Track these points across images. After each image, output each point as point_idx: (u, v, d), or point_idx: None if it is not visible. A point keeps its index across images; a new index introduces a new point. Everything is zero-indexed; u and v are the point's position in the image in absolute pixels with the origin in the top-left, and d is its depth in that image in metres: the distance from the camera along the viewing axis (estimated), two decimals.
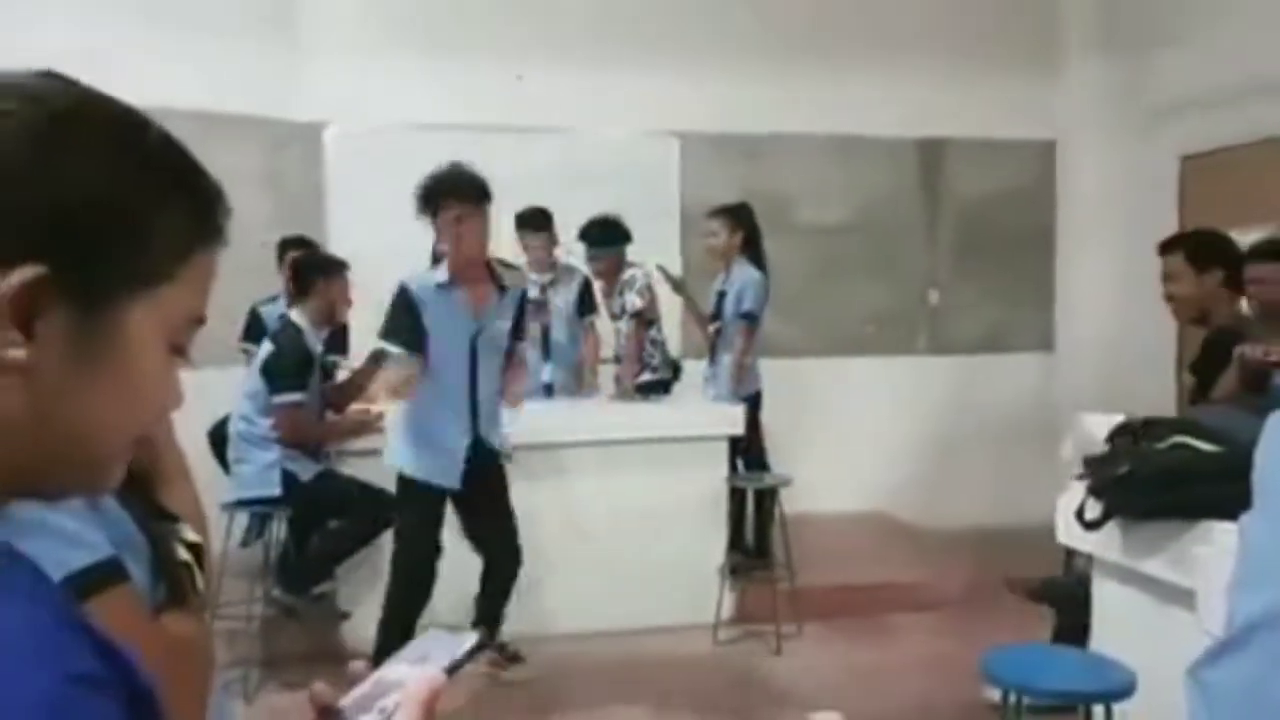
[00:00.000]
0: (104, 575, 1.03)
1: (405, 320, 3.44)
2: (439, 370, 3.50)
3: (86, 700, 0.51)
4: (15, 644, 0.51)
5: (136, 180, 0.59)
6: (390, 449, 3.66)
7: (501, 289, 3.54)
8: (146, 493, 1.14)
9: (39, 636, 0.52)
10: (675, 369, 5.12)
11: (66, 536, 0.98)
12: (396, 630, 3.49)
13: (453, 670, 1.03)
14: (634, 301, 4.82)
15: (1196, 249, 3.26)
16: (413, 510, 3.63)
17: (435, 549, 3.62)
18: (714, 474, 4.57)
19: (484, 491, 3.64)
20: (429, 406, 3.53)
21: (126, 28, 4.91)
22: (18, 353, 0.54)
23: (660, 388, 4.97)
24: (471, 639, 1.09)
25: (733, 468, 4.71)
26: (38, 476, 0.59)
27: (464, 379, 3.53)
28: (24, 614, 0.53)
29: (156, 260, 0.59)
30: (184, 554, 1.14)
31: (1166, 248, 3.35)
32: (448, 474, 3.56)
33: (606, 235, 4.83)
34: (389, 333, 3.48)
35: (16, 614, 0.53)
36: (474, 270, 3.48)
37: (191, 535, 1.17)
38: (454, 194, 3.37)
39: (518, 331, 3.68)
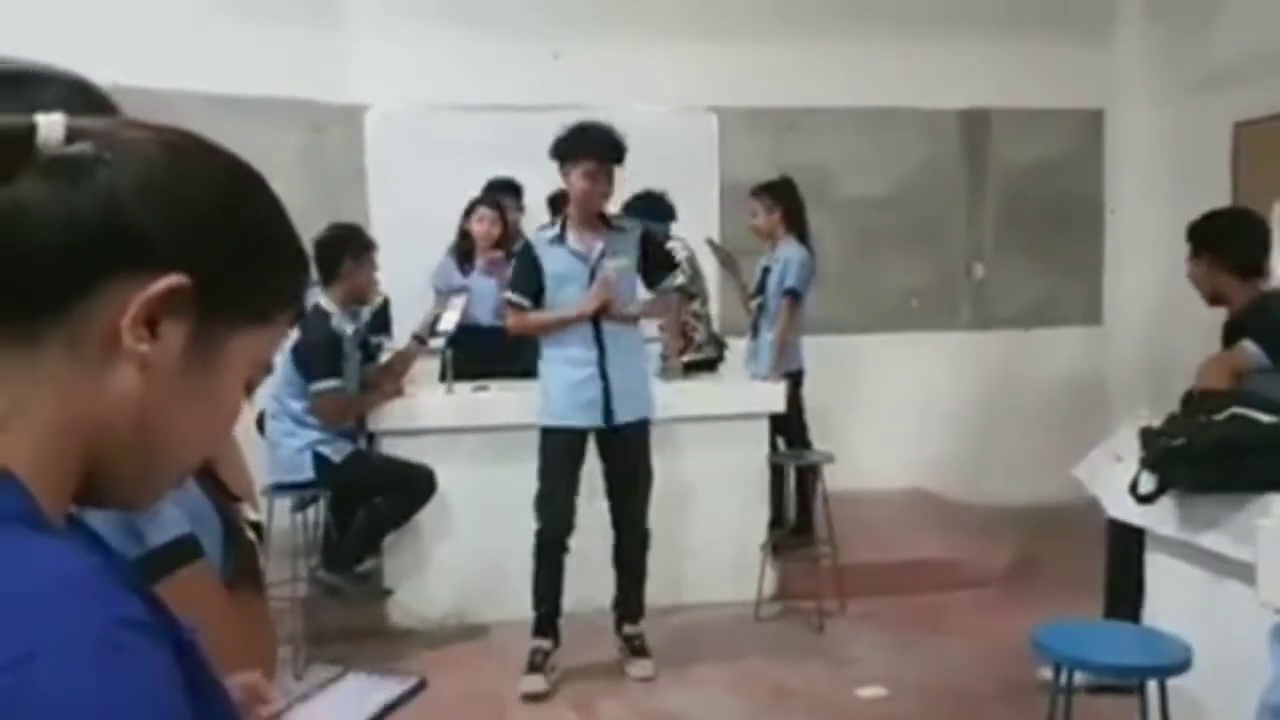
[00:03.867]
0: (182, 552, 1.05)
1: None
2: None
3: (137, 642, 0.52)
4: (66, 586, 0.53)
5: (276, 231, 0.68)
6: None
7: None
8: (212, 473, 1.16)
9: (89, 580, 0.54)
10: (720, 346, 5.08)
11: (149, 512, 1.00)
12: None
13: (385, 715, 1.00)
14: (674, 276, 4.78)
15: (1193, 235, 3.26)
16: None
17: None
18: (755, 451, 4.55)
19: None
20: None
21: (168, 13, 4.95)
22: (144, 346, 0.60)
23: (706, 366, 4.93)
24: (411, 681, 1.06)
25: (773, 445, 4.68)
26: (110, 480, 0.63)
27: None
28: (74, 560, 0.56)
29: (266, 302, 0.67)
30: (249, 533, 1.16)
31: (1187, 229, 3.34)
32: None
33: (651, 210, 4.80)
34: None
35: (67, 560, 0.55)
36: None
37: (253, 514, 1.19)
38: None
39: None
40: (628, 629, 3.88)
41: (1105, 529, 3.25)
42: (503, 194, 5.02)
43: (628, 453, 3.77)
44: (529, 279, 3.74)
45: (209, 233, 0.62)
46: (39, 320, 0.59)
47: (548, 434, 3.74)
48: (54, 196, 0.58)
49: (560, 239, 3.73)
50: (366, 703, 1.04)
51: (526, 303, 3.74)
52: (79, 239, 0.58)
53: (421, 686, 1.09)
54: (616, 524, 3.82)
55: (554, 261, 3.71)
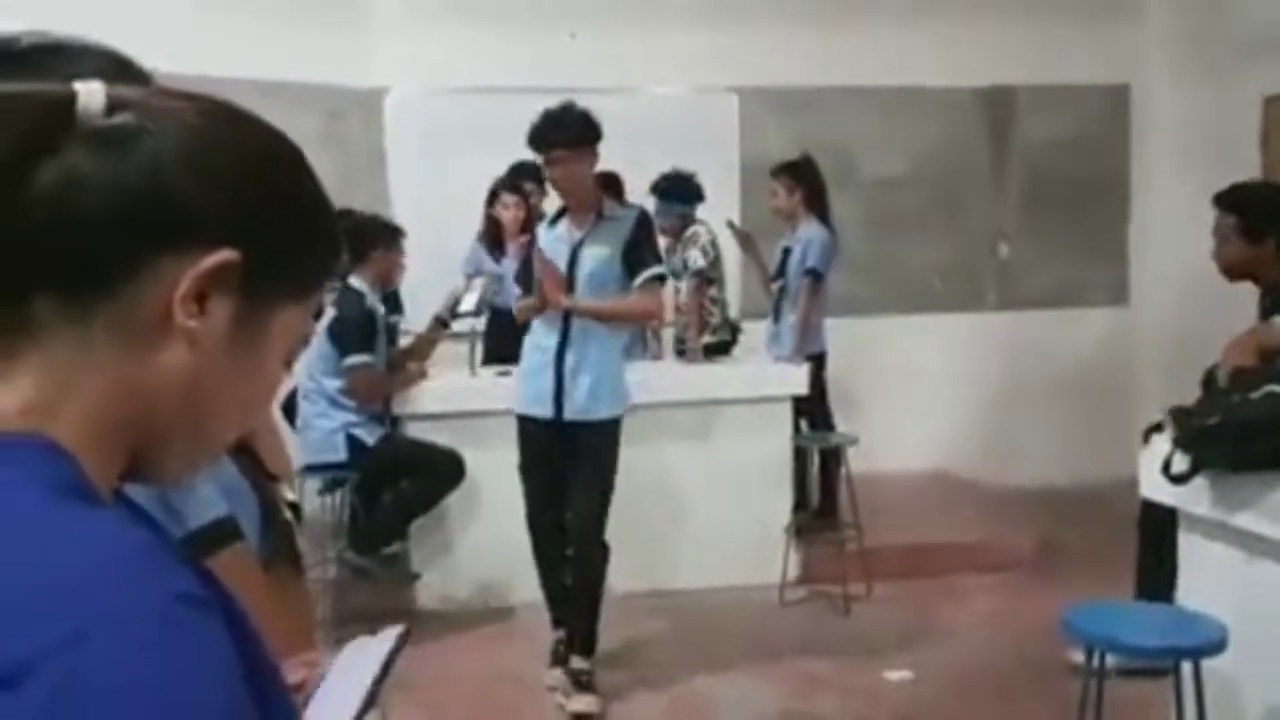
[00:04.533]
0: (223, 533, 1.06)
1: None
2: None
3: (193, 619, 0.52)
4: (121, 562, 0.52)
5: (316, 203, 0.67)
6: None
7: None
8: (250, 452, 1.17)
9: (143, 554, 0.54)
10: (733, 330, 5.07)
11: (189, 494, 1.01)
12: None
13: (383, 676, 1.03)
14: (696, 259, 4.77)
15: (1251, 215, 3.13)
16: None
17: None
18: (779, 434, 4.54)
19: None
20: None
21: None
22: (193, 322, 0.60)
23: (720, 349, 4.93)
24: (397, 631, 1.09)
25: (797, 428, 4.66)
26: (154, 457, 0.63)
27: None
28: (127, 535, 0.55)
29: (305, 279, 0.67)
30: (286, 512, 1.17)
31: (1221, 201, 3.22)
32: None
33: (679, 191, 4.78)
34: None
35: (121, 535, 0.55)
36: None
37: (290, 495, 1.20)
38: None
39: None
40: (575, 663, 3.53)
41: (1139, 509, 3.22)
42: (526, 177, 5.00)
43: (576, 453, 3.51)
44: (526, 265, 3.67)
45: (254, 205, 0.62)
46: (88, 299, 0.58)
47: (518, 421, 3.64)
48: (100, 169, 0.56)
49: (555, 223, 3.67)
50: (368, 665, 1.06)
51: (520, 289, 3.70)
52: (127, 213, 0.57)
53: (406, 634, 1.13)
54: (570, 532, 3.56)
55: (546, 245, 3.62)
